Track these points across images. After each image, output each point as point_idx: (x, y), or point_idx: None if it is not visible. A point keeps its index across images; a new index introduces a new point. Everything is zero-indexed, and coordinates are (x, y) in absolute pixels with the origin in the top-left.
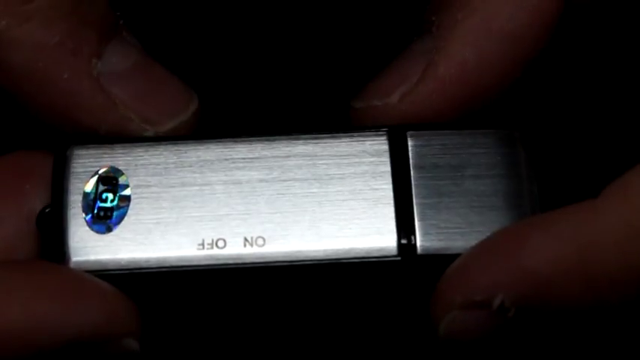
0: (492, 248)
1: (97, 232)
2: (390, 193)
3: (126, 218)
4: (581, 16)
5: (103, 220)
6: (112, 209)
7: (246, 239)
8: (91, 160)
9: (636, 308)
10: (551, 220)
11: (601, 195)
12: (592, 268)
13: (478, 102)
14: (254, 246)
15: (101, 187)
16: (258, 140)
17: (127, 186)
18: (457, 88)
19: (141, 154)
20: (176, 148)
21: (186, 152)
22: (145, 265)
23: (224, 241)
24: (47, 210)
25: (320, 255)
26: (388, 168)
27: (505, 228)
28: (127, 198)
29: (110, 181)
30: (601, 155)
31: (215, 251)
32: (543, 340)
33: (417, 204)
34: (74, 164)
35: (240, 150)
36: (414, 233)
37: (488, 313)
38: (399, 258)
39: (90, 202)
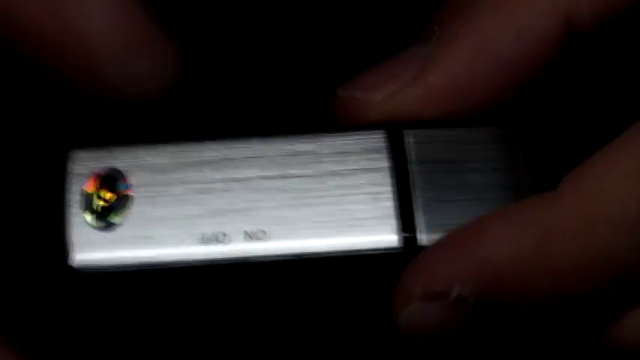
0: (453, 240)
1: (99, 230)
2: (390, 188)
3: (127, 217)
4: (583, 43)
5: (104, 219)
6: (112, 208)
7: (247, 233)
8: (91, 161)
9: (599, 307)
10: (510, 212)
11: (558, 186)
12: (552, 258)
13: (462, 116)
14: (256, 240)
15: (101, 187)
16: (258, 140)
17: (127, 185)
18: (444, 100)
19: (141, 155)
20: (177, 149)
21: (186, 152)
22: (146, 261)
23: (225, 235)
24: (47, 210)
25: (323, 248)
26: (387, 164)
27: (468, 222)
28: (128, 197)
29: (110, 181)
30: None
31: (217, 246)
32: (509, 341)
33: (416, 197)
34: (74, 165)
35: (240, 149)
36: (415, 225)
37: (447, 305)
38: (402, 250)
39: (90, 202)
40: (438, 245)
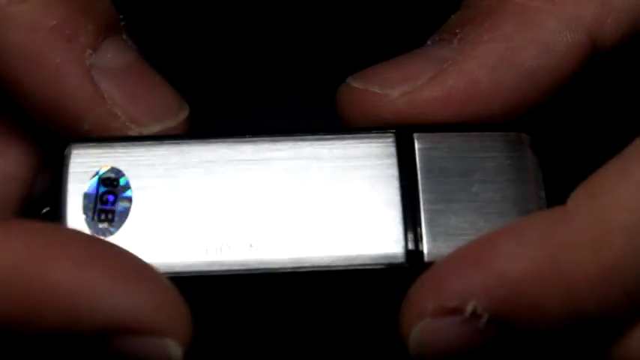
0: (464, 255)
1: (98, 234)
2: (397, 198)
3: (127, 221)
4: (604, 59)
5: (104, 222)
6: (113, 211)
7: (251, 244)
8: (91, 160)
9: (613, 322)
10: (523, 226)
11: (569, 199)
12: (567, 270)
13: (477, 122)
14: (259, 251)
15: (102, 189)
16: (263, 141)
17: (128, 187)
18: (460, 104)
19: (142, 153)
20: (179, 147)
21: (189, 152)
22: None
23: (229, 245)
24: (47, 212)
25: (326, 261)
26: (395, 172)
27: (479, 236)
28: (129, 200)
29: (111, 182)
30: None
31: (220, 256)
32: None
33: (424, 209)
34: (73, 164)
35: (245, 151)
36: (421, 239)
37: (461, 321)
38: (406, 265)
39: (90, 204)
40: (448, 260)
